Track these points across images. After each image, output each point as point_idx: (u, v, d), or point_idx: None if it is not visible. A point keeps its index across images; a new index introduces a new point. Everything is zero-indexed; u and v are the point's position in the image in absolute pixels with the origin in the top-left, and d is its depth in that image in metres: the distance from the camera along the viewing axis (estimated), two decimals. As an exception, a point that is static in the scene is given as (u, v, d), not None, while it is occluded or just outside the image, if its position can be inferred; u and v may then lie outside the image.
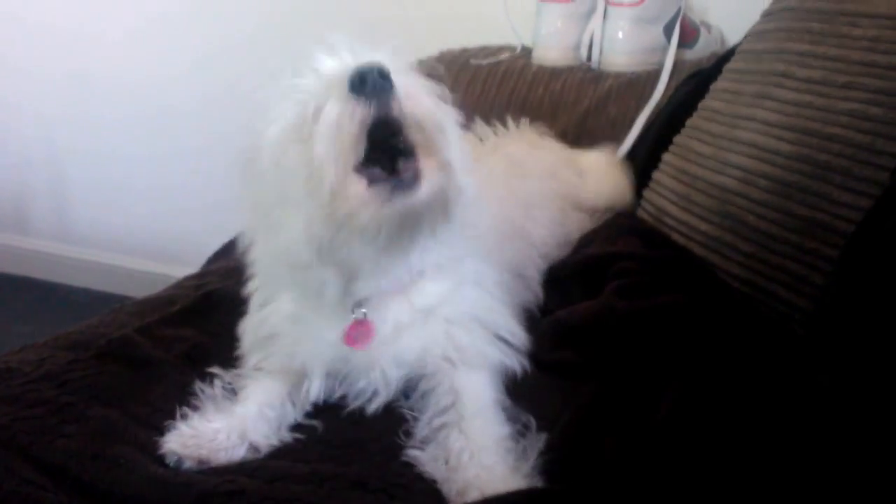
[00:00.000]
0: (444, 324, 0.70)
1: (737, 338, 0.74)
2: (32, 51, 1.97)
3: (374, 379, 0.69)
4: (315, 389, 0.69)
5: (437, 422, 0.66)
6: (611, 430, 0.64)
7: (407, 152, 0.57)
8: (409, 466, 0.63)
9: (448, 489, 0.60)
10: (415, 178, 0.56)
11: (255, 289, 0.75)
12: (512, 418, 0.67)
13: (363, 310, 0.67)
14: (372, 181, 0.56)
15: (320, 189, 0.55)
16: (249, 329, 0.74)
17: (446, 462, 0.62)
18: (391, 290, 0.68)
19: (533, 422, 0.66)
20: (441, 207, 0.59)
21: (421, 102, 0.56)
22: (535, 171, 0.99)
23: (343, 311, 0.68)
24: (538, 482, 0.60)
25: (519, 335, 0.75)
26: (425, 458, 0.63)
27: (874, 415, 0.54)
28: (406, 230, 0.59)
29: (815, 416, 0.58)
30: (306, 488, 0.57)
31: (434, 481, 0.61)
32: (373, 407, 0.69)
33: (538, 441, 0.64)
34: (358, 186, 0.55)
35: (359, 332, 0.68)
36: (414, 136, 0.56)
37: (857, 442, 0.53)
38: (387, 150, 0.56)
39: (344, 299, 0.67)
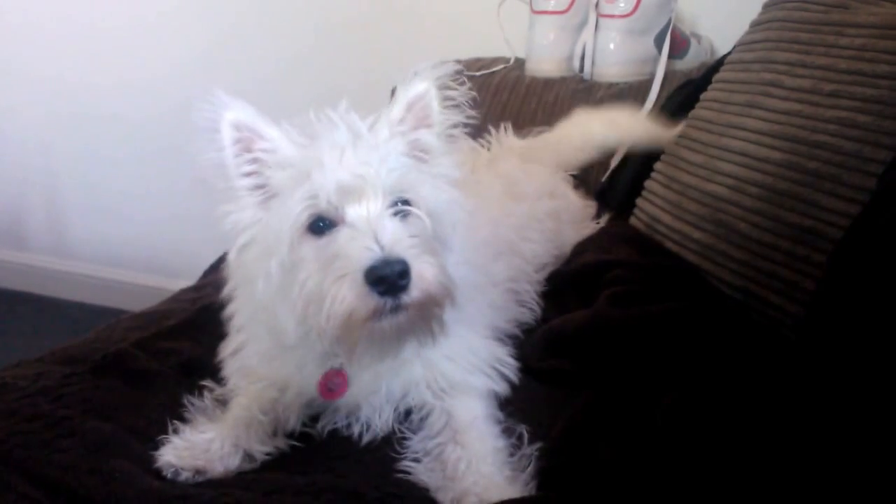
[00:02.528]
0: (427, 363, 0.70)
1: (729, 345, 0.74)
2: (26, 61, 1.98)
3: (363, 416, 0.69)
4: (293, 422, 0.69)
5: (430, 442, 0.66)
6: (606, 437, 0.64)
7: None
8: (405, 476, 0.63)
9: (444, 497, 0.61)
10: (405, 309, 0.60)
11: (234, 312, 0.75)
12: (506, 431, 0.67)
13: (339, 360, 0.67)
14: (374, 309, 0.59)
15: (320, 320, 0.59)
16: (229, 354, 0.74)
17: (443, 472, 0.63)
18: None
19: (526, 433, 0.66)
20: (423, 329, 0.64)
21: (430, 286, 0.60)
22: (530, 191, 1.00)
23: (320, 360, 0.68)
24: (534, 490, 0.60)
25: (505, 361, 0.74)
26: (421, 469, 0.64)
27: (863, 417, 0.54)
28: (391, 343, 0.63)
29: (806, 420, 0.58)
30: (302, 500, 0.58)
31: (429, 490, 0.61)
32: (366, 439, 0.68)
33: (533, 450, 0.64)
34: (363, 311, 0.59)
35: (333, 382, 0.68)
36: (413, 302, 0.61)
37: (847, 445, 0.54)
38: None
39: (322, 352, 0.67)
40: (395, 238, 0.60)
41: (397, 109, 0.68)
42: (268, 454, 0.66)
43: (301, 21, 1.74)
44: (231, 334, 0.75)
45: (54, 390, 0.68)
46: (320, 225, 0.62)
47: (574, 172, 1.20)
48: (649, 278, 0.87)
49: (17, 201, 2.13)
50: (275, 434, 0.68)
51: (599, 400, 0.69)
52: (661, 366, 0.72)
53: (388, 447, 0.67)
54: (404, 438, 0.68)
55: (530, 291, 0.90)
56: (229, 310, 0.74)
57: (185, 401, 0.70)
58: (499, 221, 0.89)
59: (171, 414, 0.68)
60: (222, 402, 0.71)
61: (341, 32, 1.71)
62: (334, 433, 0.69)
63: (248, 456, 0.65)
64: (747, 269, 0.87)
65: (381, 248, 0.59)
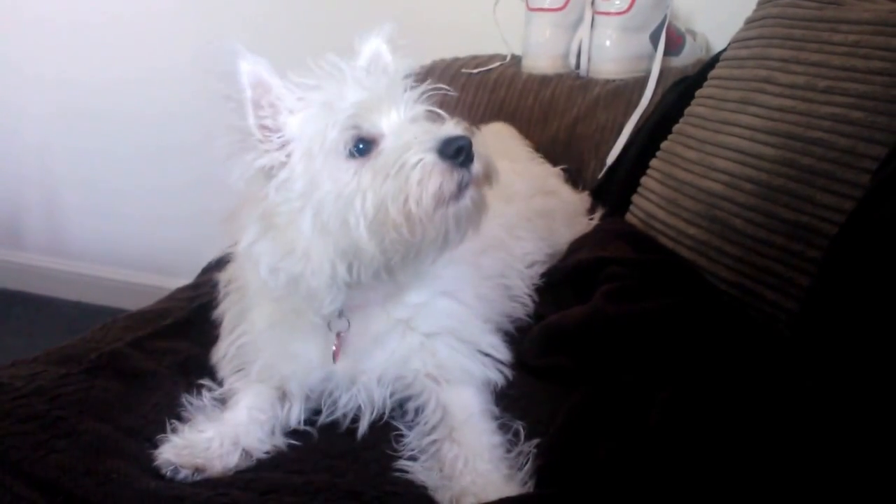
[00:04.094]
0: (420, 337, 0.71)
1: (725, 340, 0.74)
2: (22, 59, 1.97)
3: (358, 397, 0.69)
4: (296, 411, 0.70)
5: (426, 439, 0.66)
6: (603, 434, 0.64)
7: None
8: (403, 475, 0.63)
9: (442, 496, 0.61)
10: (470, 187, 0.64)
11: (226, 310, 0.75)
12: (503, 427, 0.67)
13: (345, 320, 0.68)
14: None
15: (398, 218, 0.61)
16: (223, 353, 0.74)
17: (440, 471, 0.63)
18: (374, 302, 0.70)
19: (523, 430, 0.66)
20: (481, 211, 0.66)
21: (486, 160, 0.65)
22: (522, 190, 1.01)
23: (320, 326, 0.69)
24: (531, 488, 0.60)
25: (500, 348, 0.75)
26: (419, 468, 0.64)
27: (857, 414, 0.55)
28: (459, 230, 0.65)
29: (801, 415, 0.59)
30: (300, 500, 0.58)
31: (427, 489, 0.61)
32: (362, 426, 0.69)
33: (530, 447, 0.64)
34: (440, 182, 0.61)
35: (337, 344, 0.69)
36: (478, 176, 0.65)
37: (841, 441, 0.54)
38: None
39: (332, 311, 0.68)
40: (453, 126, 0.63)
41: (363, 59, 0.71)
42: (266, 452, 0.66)
43: (296, 17, 1.74)
44: (223, 319, 0.75)
45: (50, 390, 0.68)
46: (360, 147, 0.64)
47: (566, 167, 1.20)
48: (645, 275, 0.87)
49: (13, 200, 2.12)
50: (273, 433, 0.68)
51: (596, 396, 0.70)
52: (658, 361, 0.72)
53: (385, 445, 0.67)
54: (401, 435, 0.68)
55: (521, 287, 0.90)
56: (228, 274, 0.74)
57: (184, 400, 0.70)
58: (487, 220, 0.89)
59: (168, 413, 0.68)
60: (221, 401, 0.71)
61: (339, 32, 1.70)
62: (332, 432, 0.69)
63: (247, 454, 0.65)
64: (742, 265, 0.87)
65: (446, 132, 0.62)
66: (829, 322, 0.64)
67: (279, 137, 0.65)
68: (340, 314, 0.68)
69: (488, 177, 0.65)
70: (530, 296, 0.90)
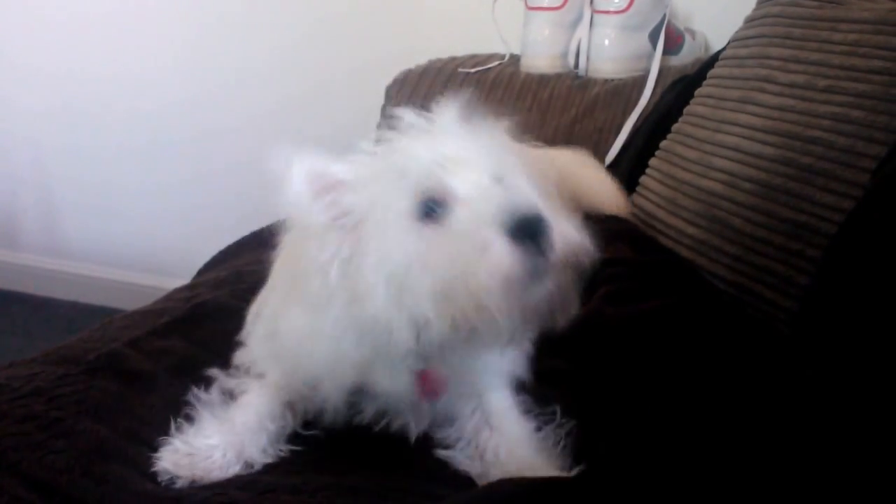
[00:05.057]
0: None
1: (724, 339, 0.74)
2: (16, 55, 1.96)
3: (407, 415, 0.66)
4: (330, 414, 0.67)
5: (469, 425, 0.66)
6: (602, 431, 0.64)
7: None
8: (407, 472, 0.63)
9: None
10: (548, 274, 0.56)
11: (270, 299, 0.70)
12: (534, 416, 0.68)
13: (431, 360, 0.62)
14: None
15: (462, 297, 0.54)
16: (261, 338, 0.69)
17: (481, 458, 0.63)
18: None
19: (558, 411, 0.66)
20: (566, 301, 0.58)
21: (572, 241, 0.56)
22: None
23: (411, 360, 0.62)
24: (568, 467, 0.61)
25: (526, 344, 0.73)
26: (460, 457, 0.64)
27: (857, 412, 0.55)
28: (533, 318, 0.58)
29: (801, 413, 0.59)
30: (298, 498, 0.57)
31: (436, 481, 0.61)
32: (413, 436, 0.66)
33: (565, 429, 0.65)
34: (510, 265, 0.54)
35: (428, 382, 0.63)
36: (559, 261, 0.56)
37: (841, 437, 0.54)
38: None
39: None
40: (520, 193, 0.56)
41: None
42: (266, 461, 0.65)
43: (293, 17, 1.73)
44: (276, 296, 0.69)
45: (48, 391, 0.67)
46: (432, 210, 0.57)
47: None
48: (644, 275, 0.87)
49: (9, 200, 2.11)
50: (278, 440, 0.67)
51: (596, 397, 0.70)
52: (657, 361, 0.72)
53: (390, 445, 0.66)
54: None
55: None
56: (280, 262, 0.67)
57: (191, 396, 0.68)
58: None
59: (166, 415, 0.67)
60: (229, 395, 0.68)
61: (335, 28, 1.71)
62: (332, 433, 0.69)
63: (248, 464, 0.64)
64: (741, 265, 0.87)
65: (517, 207, 0.54)
66: (829, 321, 0.64)
67: (350, 219, 0.59)
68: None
69: (575, 262, 0.56)
70: None
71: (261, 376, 0.70)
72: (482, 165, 0.58)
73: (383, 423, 0.67)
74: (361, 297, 0.58)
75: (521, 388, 0.71)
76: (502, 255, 0.53)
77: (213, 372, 0.71)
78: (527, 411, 0.68)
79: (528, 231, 0.53)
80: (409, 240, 0.57)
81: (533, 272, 0.54)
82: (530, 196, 0.57)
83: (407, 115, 0.61)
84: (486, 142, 0.60)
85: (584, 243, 0.57)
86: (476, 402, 0.67)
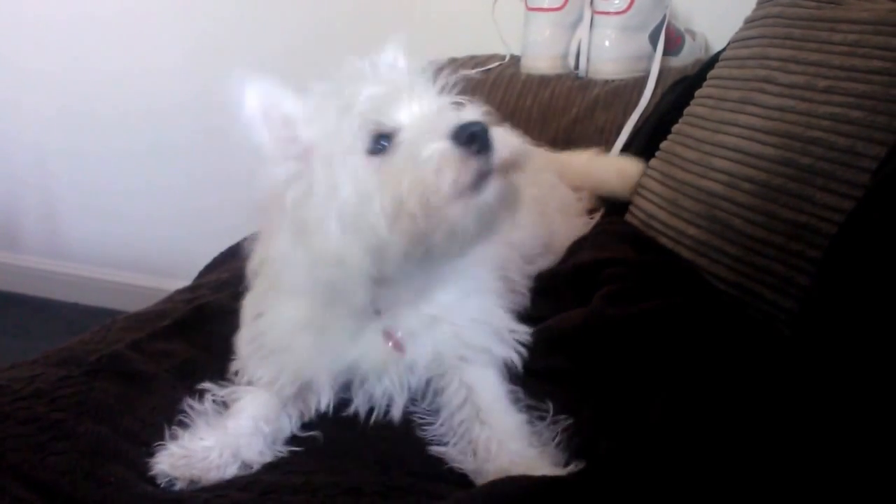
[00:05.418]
0: (451, 327, 0.71)
1: (725, 339, 0.74)
2: (18, 57, 1.96)
3: (389, 387, 0.69)
4: (324, 401, 0.69)
5: (457, 418, 0.67)
6: (603, 431, 0.64)
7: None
8: (407, 471, 0.63)
9: (483, 480, 0.61)
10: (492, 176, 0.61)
11: (252, 299, 0.74)
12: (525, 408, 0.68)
13: (389, 319, 0.68)
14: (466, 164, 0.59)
15: (416, 209, 0.59)
16: (246, 342, 0.73)
17: (474, 454, 0.63)
18: (405, 301, 0.69)
19: (551, 407, 0.67)
20: (512, 201, 0.63)
21: (512, 146, 0.61)
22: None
23: (363, 320, 0.68)
24: (563, 462, 0.61)
25: (520, 330, 0.75)
26: (454, 453, 0.64)
27: (857, 412, 0.55)
28: (485, 222, 0.62)
29: (800, 414, 0.59)
30: (299, 499, 0.58)
31: (436, 479, 0.62)
32: (396, 413, 0.69)
33: (556, 427, 0.65)
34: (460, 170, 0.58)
35: (393, 336, 0.68)
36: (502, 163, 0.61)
37: (840, 439, 0.54)
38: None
39: (366, 308, 0.67)
40: (469, 113, 0.61)
41: (381, 62, 0.70)
42: (265, 462, 0.65)
43: (295, 20, 1.74)
44: (245, 308, 0.74)
45: (49, 393, 0.68)
46: (382, 144, 0.62)
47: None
48: (645, 276, 0.87)
49: (10, 201, 2.12)
50: (274, 442, 0.67)
51: (597, 397, 0.70)
52: (658, 361, 0.72)
53: (386, 444, 0.66)
54: (428, 423, 0.68)
55: (521, 282, 0.90)
56: (253, 264, 0.72)
57: (185, 405, 0.69)
58: None
59: (167, 417, 0.68)
60: (223, 405, 0.70)
61: (335, 31, 1.71)
62: (333, 434, 0.69)
63: (246, 466, 0.64)
64: (742, 265, 0.87)
65: (459, 119, 0.59)
66: (829, 321, 0.64)
67: (296, 147, 0.64)
68: (378, 312, 0.68)
69: (516, 164, 0.61)
70: (525, 293, 0.90)
71: (252, 383, 0.71)
72: (425, 98, 0.64)
73: (375, 412, 0.69)
74: (312, 232, 0.62)
75: (513, 378, 0.71)
76: (449, 159, 0.58)
77: (206, 385, 0.71)
78: (516, 400, 0.69)
79: (470, 136, 0.58)
80: (359, 173, 0.61)
81: (478, 174, 0.58)
82: (470, 112, 0.62)
83: (354, 61, 0.66)
84: (430, 77, 0.66)
85: (522, 146, 0.62)
86: (464, 393, 0.68)
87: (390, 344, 0.68)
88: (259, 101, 0.64)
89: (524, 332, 0.75)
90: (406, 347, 0.69)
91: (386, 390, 0.69)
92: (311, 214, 0.62)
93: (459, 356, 0.70)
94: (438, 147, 0.58)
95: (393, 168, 0.60)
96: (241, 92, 0.64)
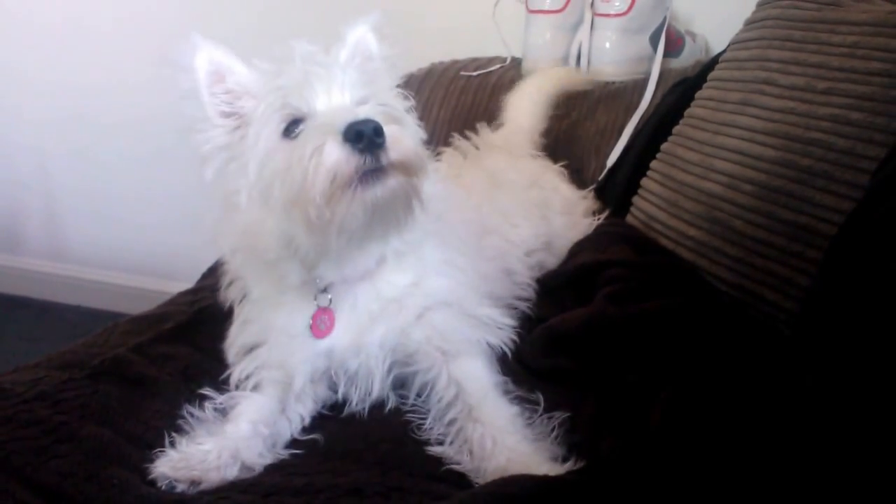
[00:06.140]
0: (417, 310, 0.71)
1: (726, 340, 0.74)
2: (20, 62, 1.97)
3: (363, 374, 0.70)
4: (298, 388, 0.70)
5: (447, 417, 0.67)
6: (605, 431, 0.64)
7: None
8: (407, 472, 0.63)
9: (483, 479, 0.61)
10: (387, 173, 0.63)
11: (234, 294, 0.76)
12: (517, 400, 0.68)
13: (329, 296, 0.70)
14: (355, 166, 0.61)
15: (306, 198, 0.61)
16: (233, 338, 0.75)
17: (471, 452, 0.63)
18: (355, 278, 0.70)
19: (541, 399, 0.67)
20: (404, 201, 0.65)
21: (406, 150, 0.63)
22: (515, 179, 1.02)
23: (308, 298, 0.70)
24: (559, 456, 0.62)
25: (495, 315, 0.76)
26: (451, 452, 0.64)
27: (857, 412, 0.55)
28: (377, 218, 0.63)
29: (801, 415, 0.59)
30: (301, 500, 0.58)
31: (437, 480, 0.62)
32: (366, 402, 0.69)
33: (550, 421, 0.66)
34: (345, 169, 0.60)
35: (321, 319, 0.70)
36: (392, 163, 0.63)
37: (841, 439, 0.54)
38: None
39: (306, 287, 0.69)
40: (366, 111, 0.63)
41: (348, 46, 0.73)
42: (266, 464, 0.66)
43: (298, 24, 1.74)
44: (234, 306, 0.76)
45: (52, 396, 0.68)
46: (296, 129, 0.64)
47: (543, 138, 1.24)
48: (646, 277, 0.87)
49: (13, 205, 2.12)
50: (274, 445, 0.68)
51: (599, 396, 0.70)
52: (659, 361, 0.73)
53: (389, 444, 0.67)
54: (420, 423, 0.68)
55: (523, 271, 0.91)
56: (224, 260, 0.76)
57: (185, 411, 0.69)
58: (483, 206, 0.91)
59: (169, 420, 0.68)
60: (222, 412, 0.70)
61: (335, 29, 1.71)
62: (333, 434, 0.69)
63: (247, 467, 0.64)
64: (742, 266, 0.87)
65: (354, 116, 0.61)
66: (829, 322, 0.64)
67: (235, 120, 0.67)
68: (325, 290, 0.70)
69: (408, 166, 0.62)
70: (530, 284, 0.91)
71: (246, 382, 0.72)
72: (347, 89, 0.66)
73: (359, 401, 0.70)
74: (231, 203, 0.66)
75: (504, 369, 0.72)
76: (330, 153, 0.59)
77: (206, 391, 0.72)
78: (507, 392, 0.69)
79: (359, 135, 0.59)
80: (269, 155, 0.64)
81: (367, 172, 0.60)
82: (377, 111, 0.64)
83: (300, 44, 0.68)
84: (355, 70, 0.68)
85: (417, 150, 0.64)
86: (454, 390, 0.68)
87: (309, 325, 0.69)
88: (207, 65, 0.67)
89: (503, 317, 0.76)
90: (335, 330, 0.69)
91: (361, 382, 0.70)
92: (240, 187, 0.66)
93: (437, 347, 0.70)
94: (321, 141, 0.60)
95: (292, 154, 0.62)
96: (192, 54, 0.67)
